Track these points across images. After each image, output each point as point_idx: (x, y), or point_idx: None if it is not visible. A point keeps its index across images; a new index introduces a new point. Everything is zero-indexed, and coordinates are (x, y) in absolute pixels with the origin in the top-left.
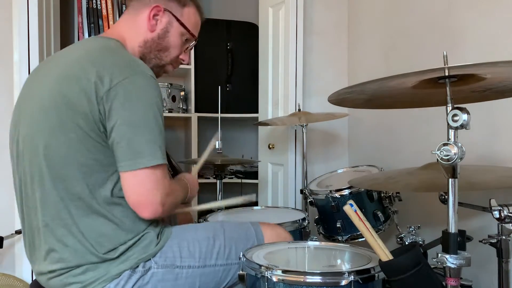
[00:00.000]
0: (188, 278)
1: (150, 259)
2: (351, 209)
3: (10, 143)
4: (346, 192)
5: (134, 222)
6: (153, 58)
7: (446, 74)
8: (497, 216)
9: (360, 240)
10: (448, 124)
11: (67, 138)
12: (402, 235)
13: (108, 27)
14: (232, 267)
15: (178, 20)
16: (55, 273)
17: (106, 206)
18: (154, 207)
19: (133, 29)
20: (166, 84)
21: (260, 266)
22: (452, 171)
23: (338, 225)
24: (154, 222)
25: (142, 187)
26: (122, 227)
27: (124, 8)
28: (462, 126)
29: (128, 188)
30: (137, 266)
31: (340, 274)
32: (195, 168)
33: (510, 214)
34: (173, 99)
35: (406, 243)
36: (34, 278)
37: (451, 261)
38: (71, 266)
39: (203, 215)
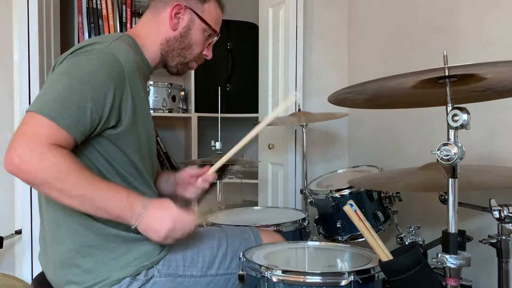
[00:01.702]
0: (189, 287)
1: (153, 266)
2: (351, 209)
3: None
4: (346, 192)
5: None
6: (176, 56)
7: (446, 74)
8: (497, 216)
9: (360, 240)
10: (448, 124)
11: None
12: (402, 235)
13: (108, 27)
14: (232, 276)
15: (199, 17)
16: (58, 260)
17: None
18: (8, 152)
19: (154, 28)
20: (166, 84)
21: (260, 266)
22: (452, 171)
23: (338, 225)
24: None
25: (19, 127)
26: None
27: (124, 8)
28: (462, 126)
29: None
30: (138, 274)
31: (340, 274)
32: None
33: (510, 214)
34: (173, 99)
35: (406, 243)
36: (34, 277)
37: (451, 261)
38: (69, 249)
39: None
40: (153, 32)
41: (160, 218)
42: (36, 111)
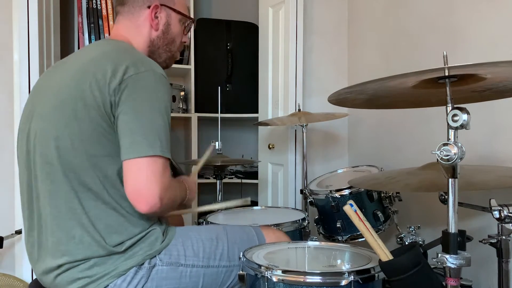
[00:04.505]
0: (192, 277)
1: (155, 256)
2: (351, 209)
3: (19, 139)
4: (346, 192)
5: (141, 216)
6: (163, 52)
7: (446, 74)
8: (497, 216)
9: (360, 240)
10: (448, 124)
11: (79, 129)
12: (402, 235)
13: (108, 27)
14: (235, 268)
15: (174, 10)
16: (62, 269)
17: (116, 198)
18: (151, 199)
19: (136, 33)
20: None
21: (260, 266)
22: (452, 171)
23: (338, 225)
24: (159, 219)
25: (140, 176)
26: (130, 220)
27: None
28: (462, 126)
29: (126, 176)
30: (143, 263)
31: (340, 274)
32: (195, 170)
33: (510, 214)
34: (173, 99)
35: (406, 243)
36: (34, 278)
37: (451, 261)
38: (77, 259)
39: (202, 215)
40: (138, 36)
41: (190, 186)
42: (152, 153)
